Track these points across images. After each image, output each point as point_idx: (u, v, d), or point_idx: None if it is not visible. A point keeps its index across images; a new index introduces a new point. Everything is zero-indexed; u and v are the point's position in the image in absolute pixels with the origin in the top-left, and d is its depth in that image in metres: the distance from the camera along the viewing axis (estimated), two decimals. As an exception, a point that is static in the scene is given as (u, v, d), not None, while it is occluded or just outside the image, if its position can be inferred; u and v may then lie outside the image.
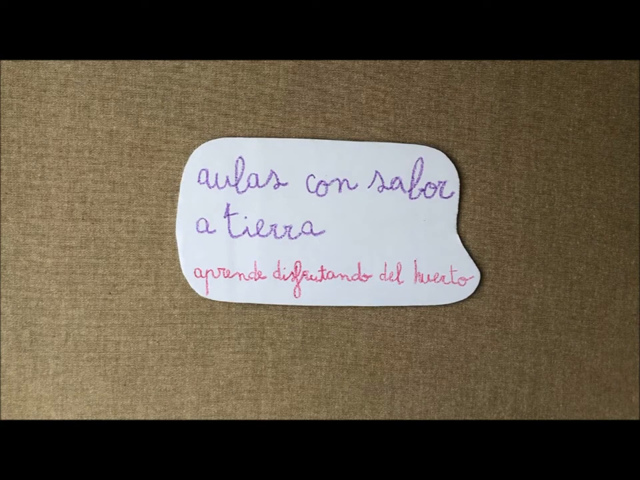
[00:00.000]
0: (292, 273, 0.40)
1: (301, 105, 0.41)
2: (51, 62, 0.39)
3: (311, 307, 0.42)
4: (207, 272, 0.40)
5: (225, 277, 0.40)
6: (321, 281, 0.40)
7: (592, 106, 0.42)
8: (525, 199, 0.42)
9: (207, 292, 0.40)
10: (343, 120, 0.41)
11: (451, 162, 0.41)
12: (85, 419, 0.40)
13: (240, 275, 0.40)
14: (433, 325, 0.42)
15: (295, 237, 0.40)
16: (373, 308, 0.42)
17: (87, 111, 0.39)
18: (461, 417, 0.43)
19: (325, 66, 0.40)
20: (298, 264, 0.40)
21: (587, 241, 0.43)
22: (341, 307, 0.42)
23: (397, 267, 0.41)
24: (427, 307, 0.42)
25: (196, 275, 0.40)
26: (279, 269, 0.40)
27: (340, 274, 0.41)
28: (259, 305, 0.41)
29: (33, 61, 0.38)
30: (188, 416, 0.41)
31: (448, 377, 0.43)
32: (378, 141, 0.41)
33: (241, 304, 0.41)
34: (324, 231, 0.40)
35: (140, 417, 0.41)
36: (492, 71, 0.42)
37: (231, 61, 0.40)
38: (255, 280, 0.40)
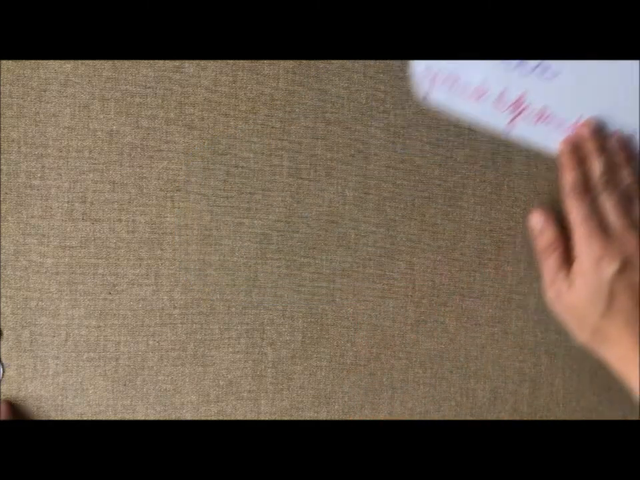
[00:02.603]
0: (514, 104, 0.39)
1: (301, 104, 0.41)
2: (50, 62, 0.38)
3: (310, 307, 0.42)
4: (435, 75, 0.39)
5: (449, 86, 0.39)
6: (537, 122, 0.40)
7: (592, 106, 0.42)
8: (525, 198, 0.42)
9: (426, 95, 0.39)
10: (343, 120, 0.41)
11: None
12: (84, 418, 0.40)
13: (464, 88, 0.39)
14: (433, 325, 0.42)
15: (533, 72, 0.39)
16: (372, 308, 0.42)
17: (87, 110, 0.39)
18: (461, 417, 0.43)
19: (325, 66, 0.40)
20: (523, 96, 0.39)
21: (586, 241, 0.43)
22: (341, 306, 0.42)
23: None
24: (427, 306, 0.42)
25: (423, 75, 0.39)
26: (503, 96, 0.39)
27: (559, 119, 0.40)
28: (258, 305, 0.41)
29: (33, 61, 0.38)
30: (188, 416, 0.41)
31: (448, 377, 0.43)
32: None
33: (240, 304, 0.41)
34: (559, 73, 0.39)
35: (140, 416, 0.41)
36: (492, 71, 0.41)
37: (231, 61, 0.40)
38: (476, 99, 0.39)
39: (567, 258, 0.39)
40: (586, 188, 0.39)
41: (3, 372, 0.39)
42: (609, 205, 0.38)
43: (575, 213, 0.38)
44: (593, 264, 0.37)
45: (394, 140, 0.41)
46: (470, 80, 0.39)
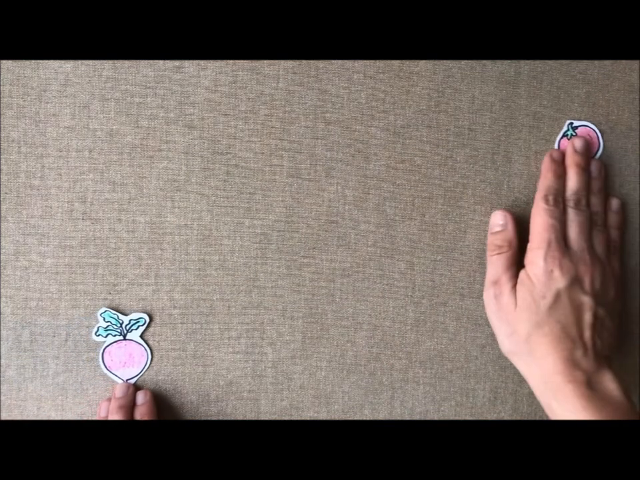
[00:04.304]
0: None
1: (301, 104, 0.41)
2: (51, 62, 0.39)
3: (310, 307, 0.42)
4: None
5: None
6: None
7: (592, 106, 0.42)
8: (525, 199, 0.42)
9: None
10: (343, 120, 0.41)
11: None
12: (85, 418, 0.40)
13: None
14: (433, 325, 0.42)
15: None
16: (372, 308, 0.42)
17: (87, 110, 0.39)
18: (461, 417, 0.43)
19: (325, 66, 0.40)
20: None
21: (586, 241, 0.43)
22: (341, 306, 0.42)
23: None
24: (426, 306, 0.42)
25: None
26: None
27: None
28: (258, 305, 0.41)
29: (33, 61, 0.38)
30: (188, 416, 0.41)
31: (448, 376, 0.43)
32: None
33: (240, 304, 0.41)
34: None
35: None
36: (492, 71, 0.41)
37: (231, 61, 0.40)
38: None
39: (515, 262, 0.39)
40: (557, 199, 0.39)
41: (152, 358, 0.40)
42: (574, 223, 0.38)
43: (541, 219, 0.38)
44: (544, 273, 0.37)
45: (394, 140, 0.41)
46: None
